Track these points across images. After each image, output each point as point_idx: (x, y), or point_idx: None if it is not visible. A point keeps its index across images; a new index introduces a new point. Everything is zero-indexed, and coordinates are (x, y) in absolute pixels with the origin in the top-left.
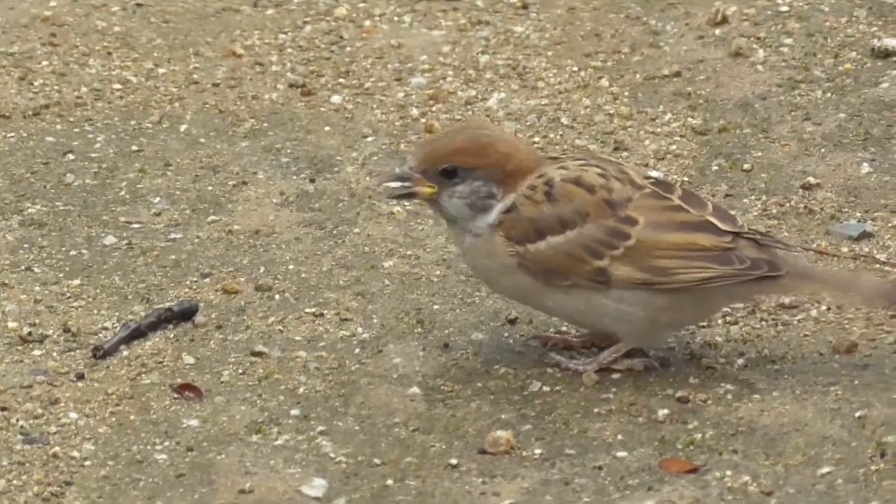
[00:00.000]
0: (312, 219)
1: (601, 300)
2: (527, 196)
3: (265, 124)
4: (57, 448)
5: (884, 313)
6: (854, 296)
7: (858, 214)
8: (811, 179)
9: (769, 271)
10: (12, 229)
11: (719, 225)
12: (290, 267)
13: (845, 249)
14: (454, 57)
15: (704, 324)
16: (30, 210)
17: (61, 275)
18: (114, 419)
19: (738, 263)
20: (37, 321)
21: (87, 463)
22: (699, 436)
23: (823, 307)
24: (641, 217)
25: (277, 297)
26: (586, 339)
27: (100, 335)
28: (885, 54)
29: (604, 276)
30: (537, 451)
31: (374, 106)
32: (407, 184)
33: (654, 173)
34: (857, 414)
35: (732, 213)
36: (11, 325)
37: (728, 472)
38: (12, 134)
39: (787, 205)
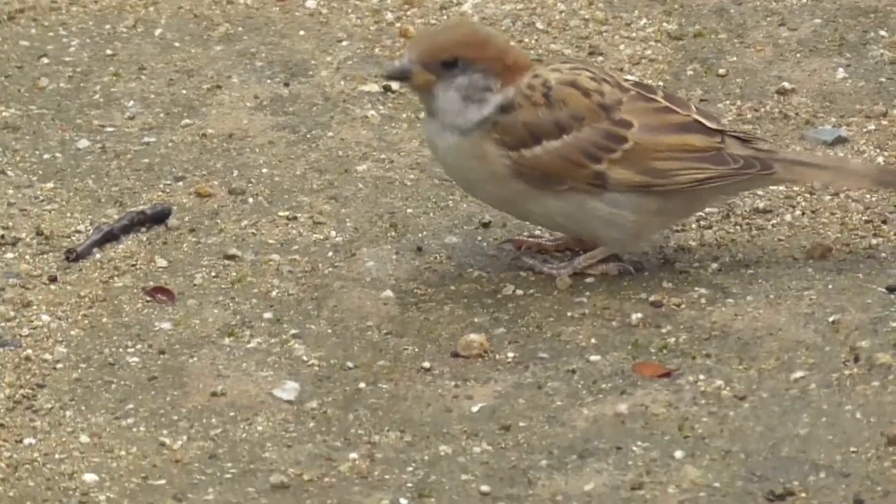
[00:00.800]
0: (286, 122)
1: (595, 204)
2: (526, 96)
3: (240, 28)
4: (29, 351)
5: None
6: (844, 179)
7: (833, 120)
8: (786, 85)
9: (762, 169)
10: None
11: (707, 124)
12: (264, 170)
13: (820, 154)
14: None
15: (678, 228)
16: (3, 114)
17: (35, 178)
18: (86, 322)
19: (733, 163)
20: (9, 224)
21: (59, 365)
22: (672, 340)
23: (798, 212)
24: (635, 120)
25: (251, 200)
26: (560, 243)
27: (73, 238)
28: None
29: (601, 179)
30: (510, 355)
31: (349, 10)
32: (406, 70)
33: (629, 77)
34: (831, 319)
35: (713, 112)
36: None
37: (701, 377)
38: None
39: (762, 110)
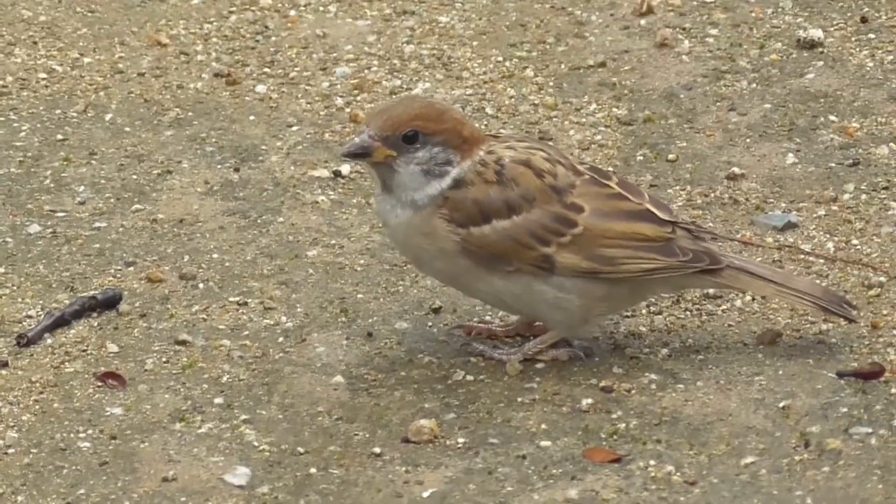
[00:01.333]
0: (237, 208)
1: (541, 287)
2: (478, 172)
3: (190, 113)
4: None
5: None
6: (788, 297)
7: (783, 205)
8: (736, 170)
9: (710, 264)
10: None
11: (659, 214)
12: (215, 256)
13: (770, 240)
14: (379, 47)
15: (629, 313)
16: None
17: None
18: (37, 407)
19: (681, 255)
20: None
21: (11, 451)
22: (623, 425)
23: (748, 297)
24: (587, 204)
25: (201, 285)
26: (510, 329)
27: (24, 323)
28: (811, 45)
29: (548, 262)
30: (461, 440)
31: (299, 95)
32: (366, 147)
33: (585, 160)
34: (781, 404)
35: (665, 202)
36: None
37: (652, 462)
38: None
39: (712, 195)
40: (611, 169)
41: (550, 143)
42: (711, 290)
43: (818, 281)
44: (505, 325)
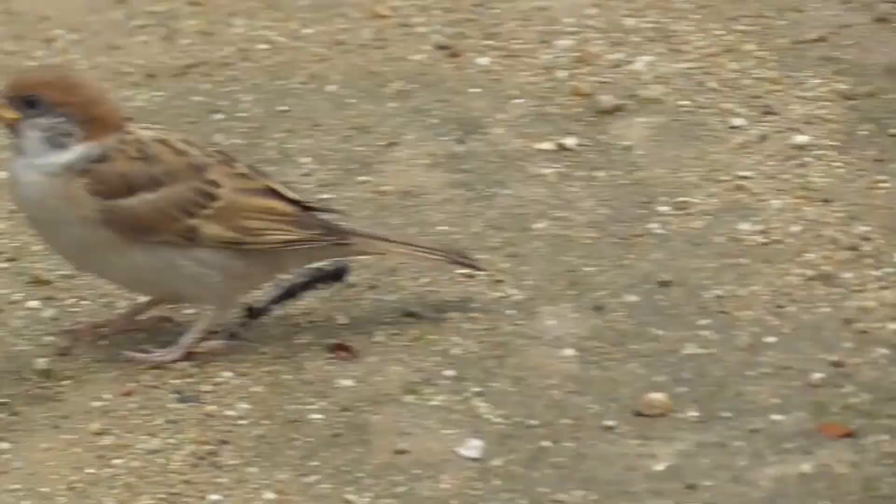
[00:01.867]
0: (462, 180)
1: (182, 261)
2: (120, 150)
3: (413, 85)
4: (212, 407)
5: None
6: (418, 253)
7: None
8: None
9: (340, 238)
10: None
11: (285, 194)
12: (442, 228)
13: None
14: (599, 20)
15: (858, 288)
16: None
17: None
18: (268, 378)
19: (313, 229)
20: None
21: (242, 422)
22: (855, 400)
23: None
24: (224, 181)
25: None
26: (118, 322)
27: (253, 295)
28: None
29: (193, 233)
30: (693, 414)
31: (522, 68)
32: None
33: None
34: None
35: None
36: None
37: (885, 437)
38: (159, 93)
39: None
40: (835, 144)
41: (774, 118)
42: None
43: None
44: (109, 322)
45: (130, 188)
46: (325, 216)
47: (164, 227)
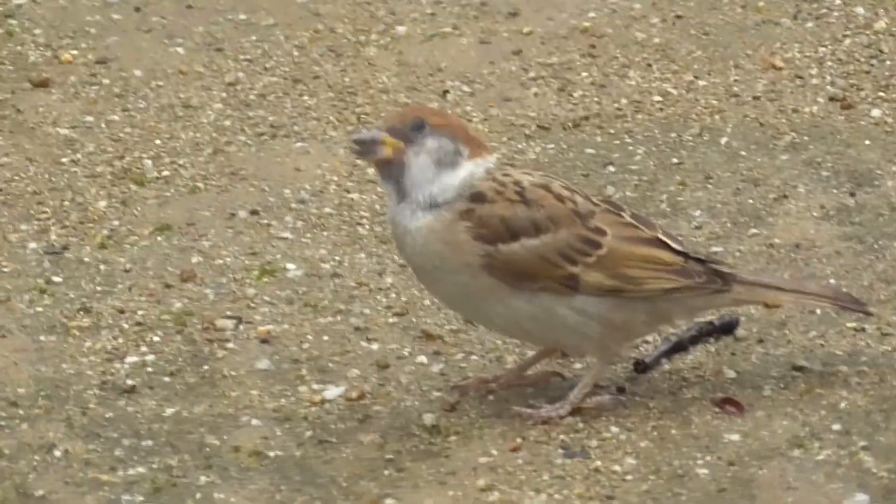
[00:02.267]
0: (853, 233)
1: (563, 310)
2: (497, 191)
3: (805, 137)
4: (598, 462)
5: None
6: (804, 299)
7: None
8: None
9: (723, 285)
10: None
11: (672, 244)
12: (832, 281)
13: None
14: None
15: None
16: None
17: None
18: (655, 433)
19: (697, 277)
20: None
21: (629, 477)
22: None
23: None
24: (608, 229)
25: (818, 311)
26: (502, 381)
27: (641, 349)
28: None
29: (574, 281)
30: None
31: None
32: (376, 137)
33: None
34: None
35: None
36: None
37: None
38: (552, 145)
39: None
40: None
41: None
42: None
43: None
44: (497, 378)
45: (512, 233)
46: (711, 266)
47: (546, 273)
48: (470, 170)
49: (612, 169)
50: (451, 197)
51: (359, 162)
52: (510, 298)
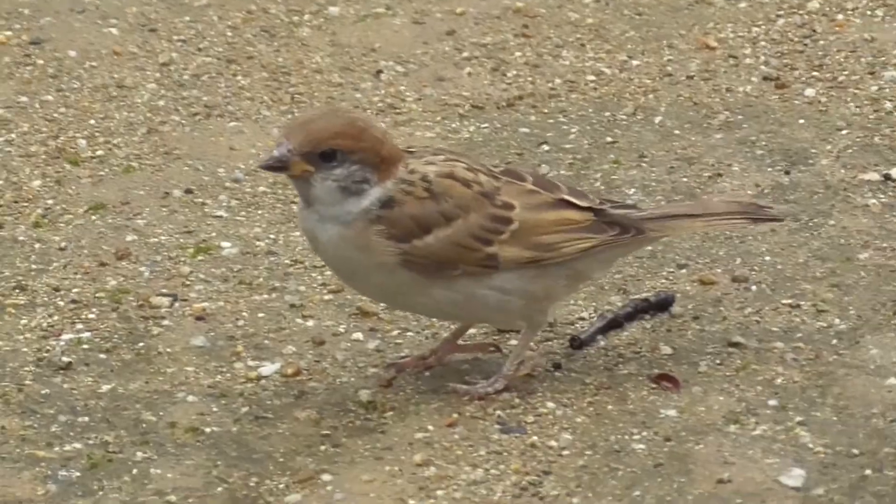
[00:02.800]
0: (787, 210)
1: (483, 291)
2: (406, 192)
3: (739, 117)
4: (534, 437)
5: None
6: (716, 223)
7: None
8: None
9: (636, 234)
10: None
11: (577, 202)
12: (766, 258)
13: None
14: None
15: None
16: None
17: None
18: (591, 409)
19: (610, 231)
20: None
21: (566, 452)
22: None
23: None
24: (515, 201)
25: (754, 287)
26: (440, 353)
27: (577, 325)
28: None
29: (494, 260)
30: None
31: (848, 99)
32: (284, 159)
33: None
34: None
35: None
36: None
37: None
38: (486, 125)
39: None
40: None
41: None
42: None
43: None
44: (434, 351)
45: (425, 228)
46: (620, 211)
47: (465, 259)
48: (377, 194)
49: (546, 148)
50: (357, 216)
51: None
52: (430, 289)
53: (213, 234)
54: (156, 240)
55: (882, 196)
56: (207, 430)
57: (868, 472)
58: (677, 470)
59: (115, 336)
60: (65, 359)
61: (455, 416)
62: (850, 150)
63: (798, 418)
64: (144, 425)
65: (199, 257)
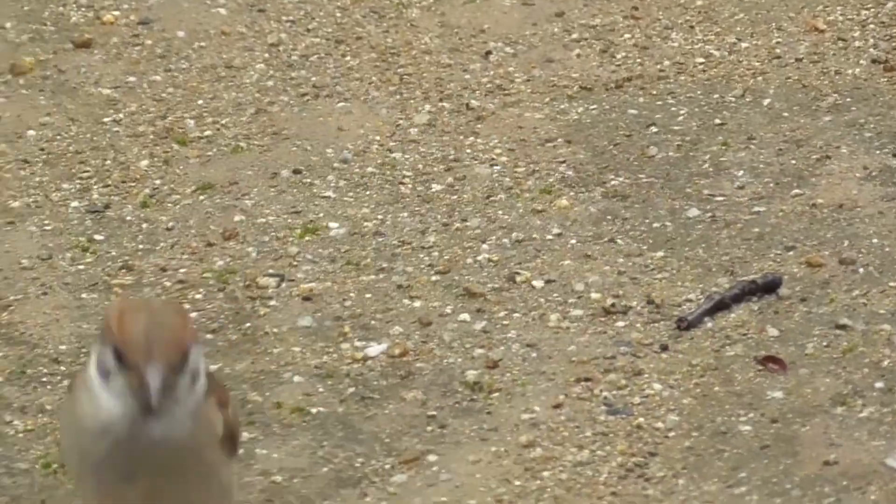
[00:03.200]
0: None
1: None
2: None
3: (848, 99)
4: (640, 419)
5: None
6: None
7: None
8: None
9: None
10: (595, 201)
11: None
12: (874, 241)
13: None
14: None
15: None
16: (612, 182)
17: (644, 247)
18: (698, 390)
19: None
20: (620, 292)
21: (671, 434)
22: None
23: None
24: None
25: (861, 270)
26: None
27: (683, 307)
28: None
29: None
30: None
31: None
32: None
33: None
34: None
35: None
36: (595, 296)
37: None
38: (594, 106)
39: None
40: None
41: None
42: None
43: None
44: None
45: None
46: None
47: None
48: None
49: (654, 129)
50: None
51: (400, 122)
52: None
53: (321, 214)
54: (263, 220)
55: None
56: (314, 410)
57: None
58: (783, 452)
59: (222, 316)
60: None
61: (561, 397)
62: None
63: None
64: (251, 405)
65: (307, 238)
